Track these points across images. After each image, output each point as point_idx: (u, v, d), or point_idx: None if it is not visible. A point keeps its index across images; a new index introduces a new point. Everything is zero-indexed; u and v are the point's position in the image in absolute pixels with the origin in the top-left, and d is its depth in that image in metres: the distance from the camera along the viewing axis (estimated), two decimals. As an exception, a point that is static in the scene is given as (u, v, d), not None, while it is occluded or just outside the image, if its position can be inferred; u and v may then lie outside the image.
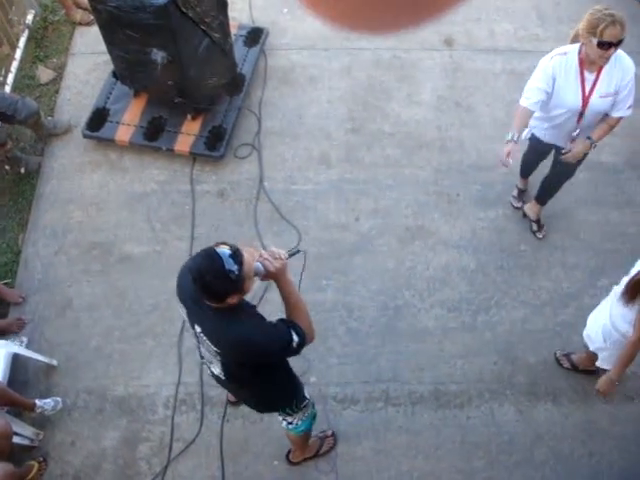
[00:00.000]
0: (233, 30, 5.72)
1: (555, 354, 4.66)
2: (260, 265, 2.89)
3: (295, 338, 2.92)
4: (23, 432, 4.25)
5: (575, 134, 4.35)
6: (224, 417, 4.47)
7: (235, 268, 2.65)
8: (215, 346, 2.94)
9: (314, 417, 3.78)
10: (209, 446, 4.40)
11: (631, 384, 4.59)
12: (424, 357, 4.70)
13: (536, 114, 4.28)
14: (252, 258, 2.81)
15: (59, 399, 4.47)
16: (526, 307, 4.88)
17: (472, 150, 5.58)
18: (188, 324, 3.09)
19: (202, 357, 3.24)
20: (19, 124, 5.31)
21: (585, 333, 4.18)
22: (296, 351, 2.98)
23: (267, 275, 2.94)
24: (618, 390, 4.50)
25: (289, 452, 4.32)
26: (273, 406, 3.58)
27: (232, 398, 4.39)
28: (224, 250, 2.68)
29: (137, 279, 4.99)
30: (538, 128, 4.49)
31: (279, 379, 3.37)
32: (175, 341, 4.74)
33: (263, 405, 3.60)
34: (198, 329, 2.97)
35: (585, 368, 4.52)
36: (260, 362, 3.04)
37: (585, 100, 4.03)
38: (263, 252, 2.97)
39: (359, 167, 5.51)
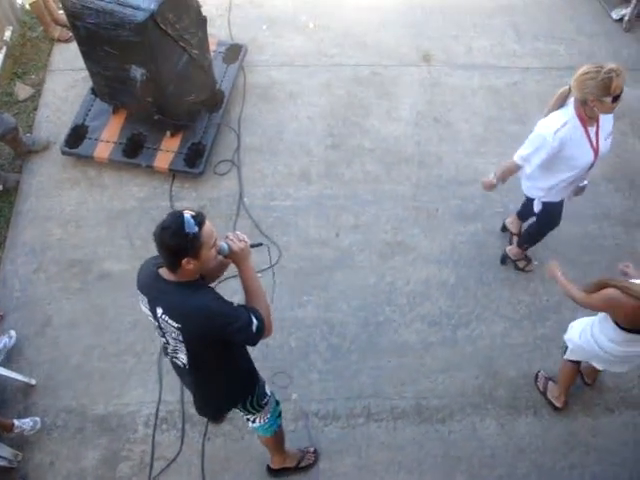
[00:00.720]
0: (212, 47, 5.74)
1: (537, 373, 4.69)
2: (225, 244, 2.99)
3: (255, 321, 2.98)
4: (1, 453, 4.19)
5: (582, 184, 4.48)
6: (205, 435, 4.44)
7: (194, 229, 2.76)
8: (176, 321, 2.95)
9: (279, 415, 3.76)
10: (190, 464, 4.36)
11: (612, 396, 4.61)
12: (405, 372, 4.70)
13: (541, 184, 4.34)
14: (215, 234, 2.90)
15: (38, 419, 4.42)
16: (506, 321, 4.90)
17: (451, 165, 5.62)
18: (150, 316, 3.09)
19: (167, 350, 3.24)
20: None
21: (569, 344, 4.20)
22: (255, 337, 3.02)
23: (230, 255, 3.03)
24: (599, 402, 4.56)
25: (269, 464, 4.30)
26: (233, 399, 3.53)
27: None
28: (188, 213, 2.79)
29: (117, 296, 4.96)
30: (550, 195, 4.45)
31: (240, 367, 3.39)
32: (155, 359, 4.71)
33: (223, 398, 3.54)
34: (159, 311, 2.98)
35: (552, 398, 4.55)
36: (220, 337, 3.01)
37: (596, 152, 4.05)
38: (229, 233, 3.06)
39: (339, 183, 5.52)
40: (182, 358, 3.17)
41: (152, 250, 5.05)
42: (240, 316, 2.96)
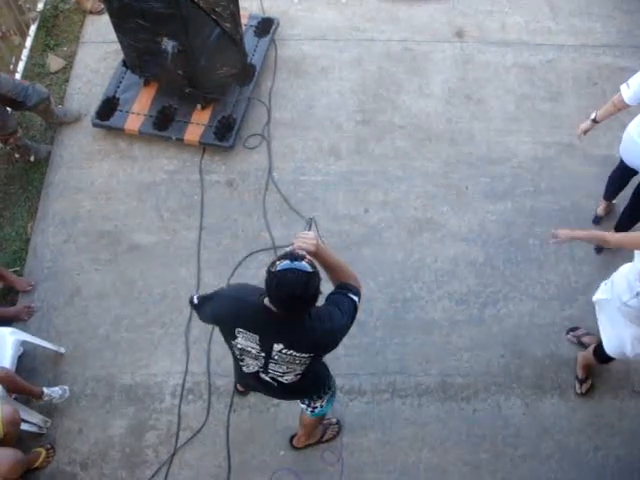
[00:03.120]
0: (244, 20, 5.71)
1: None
2: (305, 253, 2.91)
3: (355, 298, 3.01)
4: (31, 419, 4.27)
5: None
6: (231, 407, 4.49)
7: (307, 266, 2.72)
8: (307, 352, 2.97)
9: (334, 395, 3.76)
10: (216, 435, 4.41)
11: (638, 379, 4.58)
12: (431, 349, 4.70)
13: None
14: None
15: (66, 387, 4.49)
16: (534, 301, 4.87)
17: (482, 143, 5.56)
18: (254, 354, 3.04)
19: (264, 372, 3.17)
20: (29, 111, 5.32)
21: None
22: (357, 311, 3.04)
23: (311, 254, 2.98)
24: (626, 385, 4.52)
25: (293, 437, 4.34)
26: (316, 392, 3.57)
27: (241, 388, 4.40)
28: (285, 262, 2.71)
29: (145, 268, 5.00)
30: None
31: (324, 363, 3.49)
32: (183, 330, 4.75)
33: (308, 394, 3.59)
34: (279, 347, 2.94)
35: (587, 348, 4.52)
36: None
37: None
38: (295, 241, 2.98)
39: (369, 159, 5.50)
40: (286, 379, 3.15)
41: (182, 222, 5.13)
42: (349, 310, 2.99)
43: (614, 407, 4.49)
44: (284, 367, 3.05)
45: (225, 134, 5.45)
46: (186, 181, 5.39)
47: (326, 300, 3.03)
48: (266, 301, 2.85)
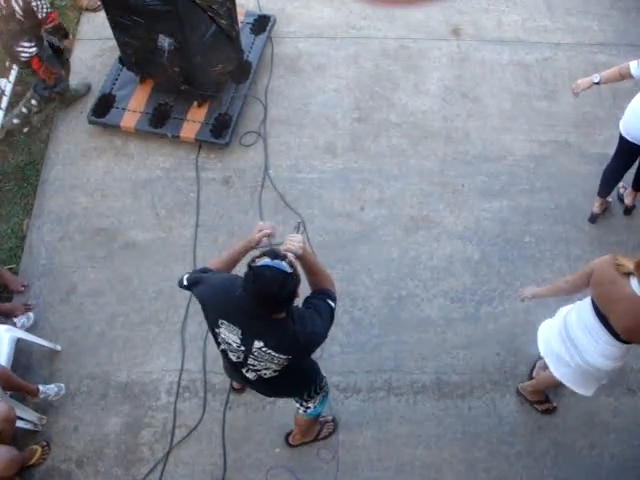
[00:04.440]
0: (240, 17, 5.70)
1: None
2: (290, 254, 2.96)
3: (333, 304, 3.04)
4: (26, 417, 4.26)
5: None
6: (226, 404, 4.49)
7: (286, 267, 2.74)
8: (286, 354, 2.97)
9: (327, 395, 3.78)
10: (211, 433, 4.41)
11: (633, 377, 4.59)
12: (427, 347, 4.70)
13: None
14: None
15: (62, 385, 4.49)
16: (529, 299, 4.86)
17: (478, 141, 5.57)
18: (235, 346, 3.05)
19: (239, 367, 3.20)
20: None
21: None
22: (334, 316, 3.08)
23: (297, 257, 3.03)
24: (620, 383, 4.52)
25: (289, 434, 4.34)
26: (301, 390, 3.58)
27: (237, 386, 4.41)
28: (266, 260, 2.75)
29: (141, 265, 5.00)
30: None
31: (311, 362, 3.49)
32: (178, 328, 4.75)
33: (292, 392, 3.62)
34: (259, 344, 2.95)
35: (533, 390, 4.47)
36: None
37: None
38: (284, 243, 3.05)
39: (365, 156, 5.50)
40: (265, 374, 3.16)
41: (177, 219, 5.12)
42: (329, 313, 3.02)
43: (608, 405, 4.50)
44: (262, 364, 3.06)
45: (221, 131, 5.45)
46: (182, 178, 5.38)
47: (304, 303, 3.06)
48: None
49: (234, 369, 3.28)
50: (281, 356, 2.96)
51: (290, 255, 2.94)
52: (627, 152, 4.66)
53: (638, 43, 6.11)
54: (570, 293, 3.79)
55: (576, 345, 3.71)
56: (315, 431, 4.32)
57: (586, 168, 5.36)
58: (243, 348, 3.02)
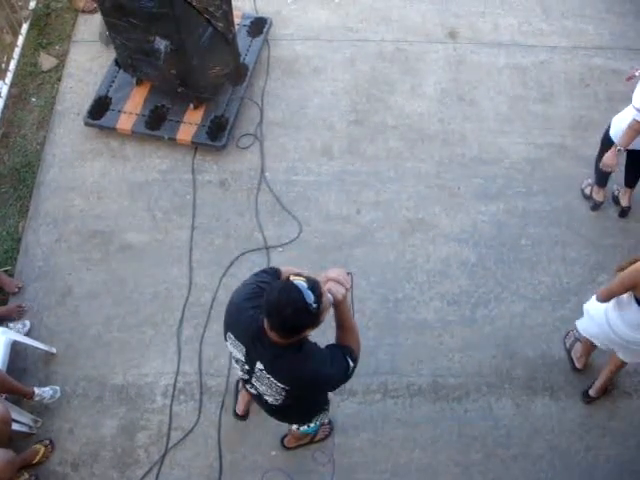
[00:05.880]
0: (237, 20, 5.70)
1: (569, 331, 4.70)
2: (330, 296, 2.81)
3: (351, 364, 2.90)
4: (21, 419, 4.25)
5: None
6: (222, 407, 4.48)
7: (314, 301, 2.58)
8: (283, 383, 2.87)
9: (326, 412, 3.71)
10: (207, 436, 4.41)
11: (629, 380, 4.59)
12: (423, 350, 4.70)
13: None
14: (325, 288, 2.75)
15: (57, 388, 4.48)
16: (526, 301, 4.88)
17: (474, 144, 5.57)
18: (241, 363, 2.99)
19: (248, 382, 3.13)
20: None
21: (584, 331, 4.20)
22: (349, 377, 2.96)
23: (333, 303, 2.86)
24: (617, 386, 4.53)
25: (284, 437, 4.34)
26: (305, 419, 3.56)
27: (241, 412, 4.35)
28: (302, 282, 2.60)
29: (137, 268, 4.99)
30: None
31: (321, 400, 3.44)
32: (174, 330, 4.74)
33: (295, 420, 3.61)
34: (260, 366, 2.88)
35: (574, 357, 4.58)
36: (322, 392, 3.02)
37: None
38: (330, 274, 2.89)
39: (361, 159, 5.50)
40: (268, 399, 3.08)
41: (174, 221, 5.13)
42: (341, 369, 2.89)
43: (605, 408, 4.50)
44: (264, 388, 2.98)
45: (217, 134, 5.45)
46: (178, 181, 5.38)
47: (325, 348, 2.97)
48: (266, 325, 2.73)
49: (244, 382, 3.22)
50: (279, 385, 2.88)
51: (328, 295, 2.79)
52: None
53: (634, 47, 6.13)
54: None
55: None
56: (310, 435, 4.31)
57: (582, 171, 5.37)
58: (247, 367, 2.97)
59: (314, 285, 2.62)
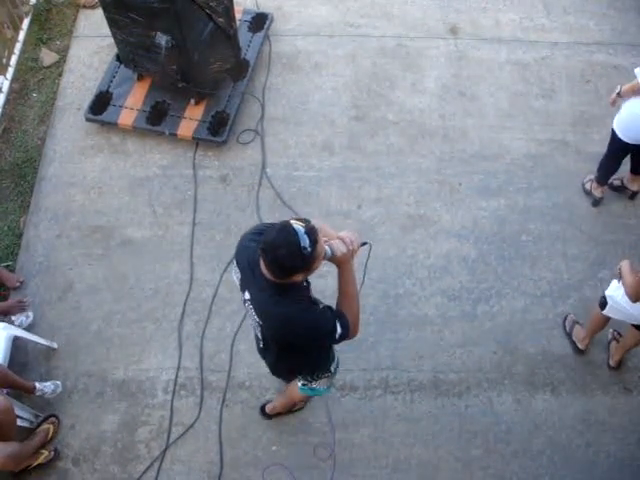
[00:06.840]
0: (238, 15, 5.70)
1: (567, 315, 4.72)
2: (328, 248, 2.85)
3: (339, 330, 2.90)
4: (23, 414, 4.25)
5: None
6: (223, 402, 4.49)
7: (309, 245, 2.63)
8: (258, 317, 2.96)
9: (332, 378, 3.68)
10: (208, 431, 4.41)
11: (630, 376, 4.59)
12: (424, 345, 4.70)
13: None
14: (324, 238, 2.80)
15: (59, 382, 4.48)
16: (526, 297, 4.88)
17: (475, 139, 5.57)
18: (238, 288, 3.06)
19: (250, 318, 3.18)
20: None
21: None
22: (336, 342, 2.98)
23: (331, 258, 2.90)
24: (617, 382, 4.54)
25: (265, 404, 4.38)
26: (304, 372, 3.55)
27: (270, 411, 4.38)
28: (300, 227, 2.65)
29: (138, 263, 5.00)
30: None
31: (313, 357, 3.39)
32: (175, 325, 4.74)
33: (295, 373, 3.60)
34: (247, 296, 2.95)
35: (576, 340, 4.61)
36: (297, 344, 3.00)
37: None
38: (341, 234, 2.93)
39: (362, 155, 5.50)
40: (259, 336, 3.21)
41: (174, 217, 5.12)
42: (325, 326, 2.89)
43: (605, 404, 4.51)
44: (251, 321, 3.07)
45: (218, 129, 5.45)
46: (179, 176, 5.38)
47: None
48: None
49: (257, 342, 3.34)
50: (255, 317, 2.95)
51: (327, 248, 2.83)
52: (622, 149, 4.73)
53: (635, 42, 6.12)
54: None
55: None
56: (293, 406, 4.36)
57: (583, 167, 5.36)
58: (243, 297, 3.01)
59: (311, 230, 2.67)
